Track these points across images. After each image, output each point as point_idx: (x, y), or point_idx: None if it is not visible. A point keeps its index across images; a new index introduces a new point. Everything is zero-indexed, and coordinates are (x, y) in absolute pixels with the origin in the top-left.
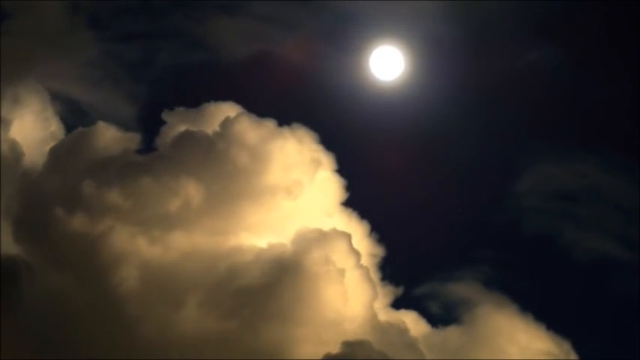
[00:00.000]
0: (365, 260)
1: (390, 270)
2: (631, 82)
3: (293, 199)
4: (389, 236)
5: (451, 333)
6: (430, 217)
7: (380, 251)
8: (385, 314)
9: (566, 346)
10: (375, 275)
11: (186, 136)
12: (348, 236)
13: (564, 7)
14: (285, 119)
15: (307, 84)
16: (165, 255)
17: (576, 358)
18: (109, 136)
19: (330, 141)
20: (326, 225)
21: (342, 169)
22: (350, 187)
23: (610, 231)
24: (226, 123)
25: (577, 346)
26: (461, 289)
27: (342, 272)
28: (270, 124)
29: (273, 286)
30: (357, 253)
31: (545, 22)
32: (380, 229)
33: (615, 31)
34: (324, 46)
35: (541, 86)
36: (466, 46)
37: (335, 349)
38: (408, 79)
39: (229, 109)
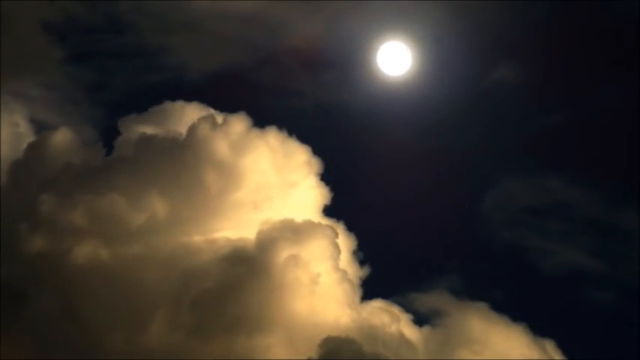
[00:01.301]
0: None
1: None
2: (595, 99)
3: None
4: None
5: (429, 334)
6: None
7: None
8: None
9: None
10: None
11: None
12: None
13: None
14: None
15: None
16: (128, 267)
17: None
18: (69, 144)
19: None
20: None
21: (327, 176)
22: (333, 194)
23: (578, 243)
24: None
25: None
26: (433, 298)
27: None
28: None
29: (238, 288)
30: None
31: (510, 41)
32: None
33: (580, 49)
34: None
35: (505, 103)
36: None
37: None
38: (416, 75)
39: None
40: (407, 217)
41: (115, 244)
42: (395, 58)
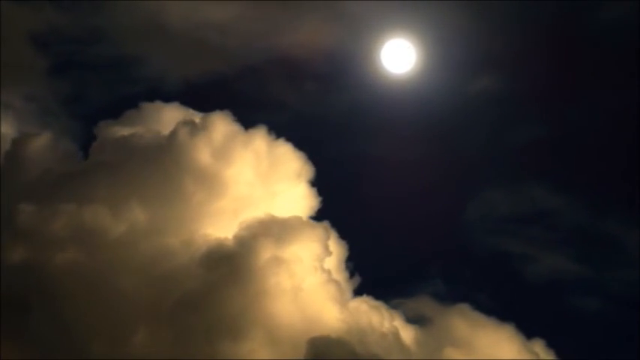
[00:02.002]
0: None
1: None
2: (575, 109)
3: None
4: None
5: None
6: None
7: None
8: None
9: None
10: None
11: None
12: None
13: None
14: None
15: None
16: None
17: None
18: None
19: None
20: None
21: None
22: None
23: (561, 250)
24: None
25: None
26: (417, 304)
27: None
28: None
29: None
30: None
31: (492, 53)
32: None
33: (561, 61)
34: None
35: (489, 114)
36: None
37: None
38: (420, 72)
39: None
40: (391, 225)
41: (94, 251)
42: (400, 56)
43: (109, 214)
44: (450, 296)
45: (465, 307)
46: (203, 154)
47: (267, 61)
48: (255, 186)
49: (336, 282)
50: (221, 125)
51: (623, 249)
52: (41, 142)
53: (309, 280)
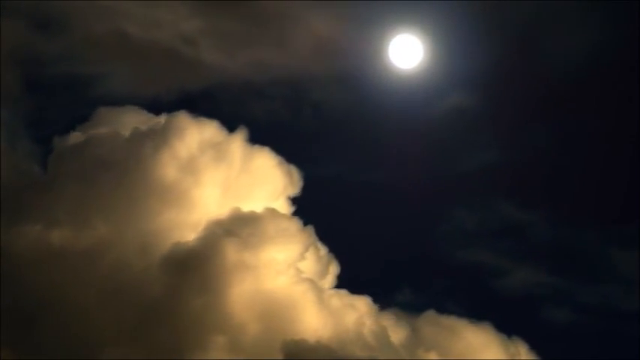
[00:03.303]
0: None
1: None
2: (544, 126)
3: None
4: None
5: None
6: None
7: None
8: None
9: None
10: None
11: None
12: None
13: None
14: None
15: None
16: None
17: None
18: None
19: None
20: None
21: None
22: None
23: (531, 263)
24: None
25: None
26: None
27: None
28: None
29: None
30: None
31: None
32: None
33: (535, 78)
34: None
35: (457, 132)
36: None
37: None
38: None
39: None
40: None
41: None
42: (407, 51)
43: (69, 229)
44: (419, 305)
45: (432, 314)
46: (165, 157)
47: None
48: (224, 188)
49: (311, 282)
50: (185, 127)
51: (593, 261)
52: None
53: (281, 281)
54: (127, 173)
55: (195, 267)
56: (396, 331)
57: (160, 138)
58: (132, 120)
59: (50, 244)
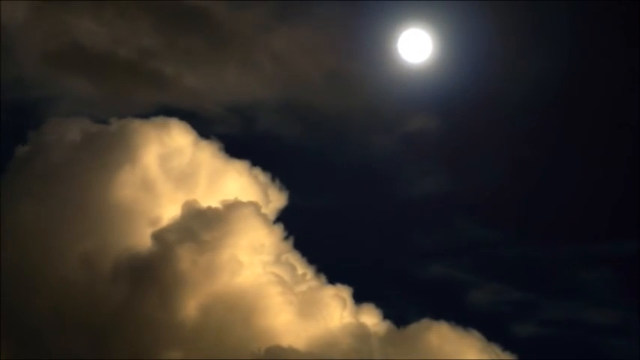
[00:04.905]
0: None
1: None
2: (504, 149)
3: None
4: None
5: None
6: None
7: None
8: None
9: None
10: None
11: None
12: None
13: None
14: None
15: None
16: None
17: None
18: None
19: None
20: None
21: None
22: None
23: (495, 278)
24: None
25: None
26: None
27: None
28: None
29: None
30: None
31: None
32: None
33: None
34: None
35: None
36: None
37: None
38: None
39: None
40: None
41: None
42: (416, 46)
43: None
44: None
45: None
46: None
47: None
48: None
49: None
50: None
51: (559, 276)
52: None
53: (253, 281)
54: (74, 183)
55: (147, 277)
56: None
57: (107, 144)
58: (81, 128)
59: None
